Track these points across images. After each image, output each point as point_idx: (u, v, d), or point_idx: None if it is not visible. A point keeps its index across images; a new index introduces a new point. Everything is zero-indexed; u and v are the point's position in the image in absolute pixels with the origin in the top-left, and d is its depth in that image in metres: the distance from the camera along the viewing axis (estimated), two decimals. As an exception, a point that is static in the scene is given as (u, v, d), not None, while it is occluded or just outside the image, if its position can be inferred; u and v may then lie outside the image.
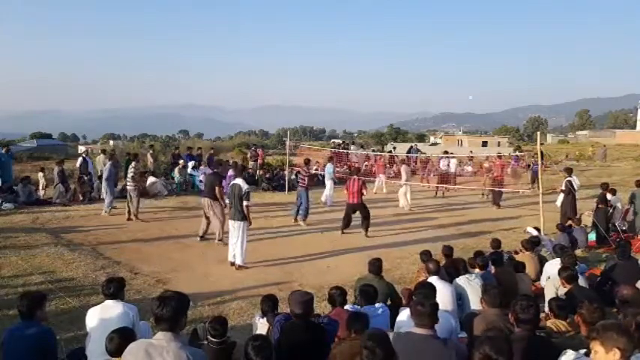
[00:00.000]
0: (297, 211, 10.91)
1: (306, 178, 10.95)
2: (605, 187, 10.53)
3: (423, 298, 3.42)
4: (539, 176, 10.52)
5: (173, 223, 10.51)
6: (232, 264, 7.48)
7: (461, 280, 5.04)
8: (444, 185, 15.76)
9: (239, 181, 7.53)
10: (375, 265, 5.23)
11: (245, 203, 7.33)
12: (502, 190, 13.91)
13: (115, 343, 3.11)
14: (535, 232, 8.78)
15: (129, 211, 10.53)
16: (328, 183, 13.67)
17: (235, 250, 7.43)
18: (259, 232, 9.97)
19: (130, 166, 10.84)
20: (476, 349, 2.44)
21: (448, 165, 17.11)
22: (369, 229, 9.87)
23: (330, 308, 4.37)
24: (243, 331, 4.94)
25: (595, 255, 8.52)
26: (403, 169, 14.05)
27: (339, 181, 16.78)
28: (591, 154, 28.56)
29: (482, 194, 15.32)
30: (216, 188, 8.62)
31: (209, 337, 3.66)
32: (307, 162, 11.93)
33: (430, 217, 12.12)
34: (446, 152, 19.12)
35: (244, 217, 7.39)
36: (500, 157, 16.48)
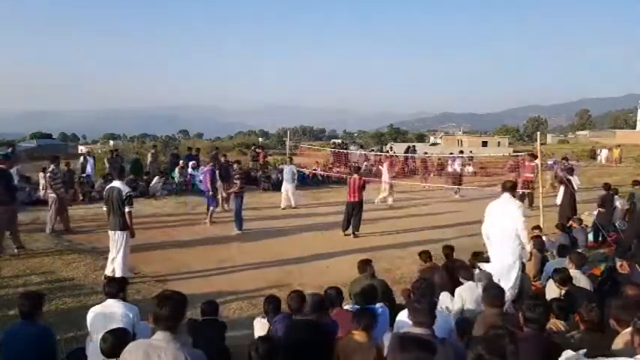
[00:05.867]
0: (241, 222, 9.95)
1: (238, 181, 10.01)
2: (607, 187, 10.05)
3: (421, 295, 3.41)
4: (540, 176, 10.51)
5: (173, 224, 10.51)
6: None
7: (465, 289, 4.83)
8: (458, 186, 15.67)
9: (117, 183, 6.57)
10: (364, 266, 5.27)
11: (127, 209, 6.40)
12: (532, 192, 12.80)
13: (109, 344, 3.11)
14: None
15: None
16: (288, 186, 12.81)
17: (115, 264, 6.49)
18: (259, 232, 10.00)
19: (47, 170, 9.53)
20: (469, 349, 2.42)
21: (459, 165, 16.68)
22: (359, 230, 9.86)
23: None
24: (243, 331, 4.95)
25: (595, 255, 8.52)
26: (385, 166, 14.00)
27: (338, 181, 16.81)
28: (619, 157, 27.34)
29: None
30: None
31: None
32: (238, 162, 11.11)
33: (430, 217, 12.11)
34: (461, 152, 18.81)
35: (125, 227, 6.46)
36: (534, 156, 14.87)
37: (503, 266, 5.39)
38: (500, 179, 16.87)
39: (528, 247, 5.87)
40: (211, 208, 10.60)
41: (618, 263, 5.59)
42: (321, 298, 3.66)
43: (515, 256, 5.41)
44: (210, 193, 10.58)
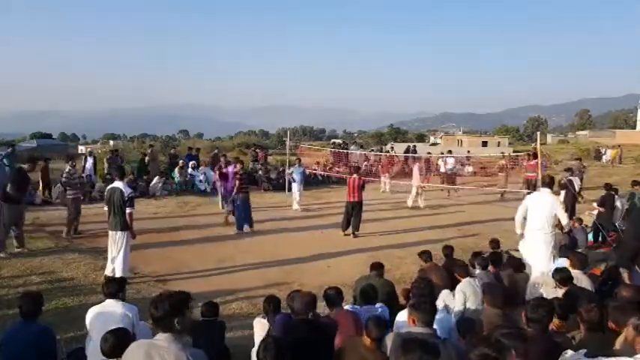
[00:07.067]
0: (242, 223, 9.82)
1: (238, 182, 9.78)
2: (608, 187, 9.99)
3: (421, 295, 3.40)
4: (539, 177, 10.49)
5: (173, 224, 10.50)
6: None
7: (464, 285, 4.88)
8: (452, 187, 15.64)
9: (119, 184, 6.56)
10: (377, 267, 5.38)
11: (128, 210, 6.44)
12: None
13: (110, 345, 3.09)
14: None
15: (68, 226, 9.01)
16: (295, 186, 12.68)
17: (116, 264, 6.50)
18: (259, 232, 10.00)
19: (65, 170, 9.44)
20: (471, 351, 2.38)
21: (448, 164, 16.82)
22: (359, 230, 9.87)
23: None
24: (243, 331, 4.95)
25: (595, 255, 8.52)
26: (416, 168, 13.96)
27: (338, 181, 16.78)
28: (617, 157, 27.01)
29: (502, 194, 15.26)
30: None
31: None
32: (240, 162, 10.53)
33: (430, 217, 12.12)
34: (450, 152, 18.93)
35: (126, 227, 6.49)
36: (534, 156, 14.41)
37: (540, 255, 5.97)
38: (498, 180, 16.96)
39: (565, 221, 6.29)
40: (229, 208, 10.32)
41: (624, 274, 5.74)
42: (312, 299, 3.60)
43: (549, 246, 5.96)
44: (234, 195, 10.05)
